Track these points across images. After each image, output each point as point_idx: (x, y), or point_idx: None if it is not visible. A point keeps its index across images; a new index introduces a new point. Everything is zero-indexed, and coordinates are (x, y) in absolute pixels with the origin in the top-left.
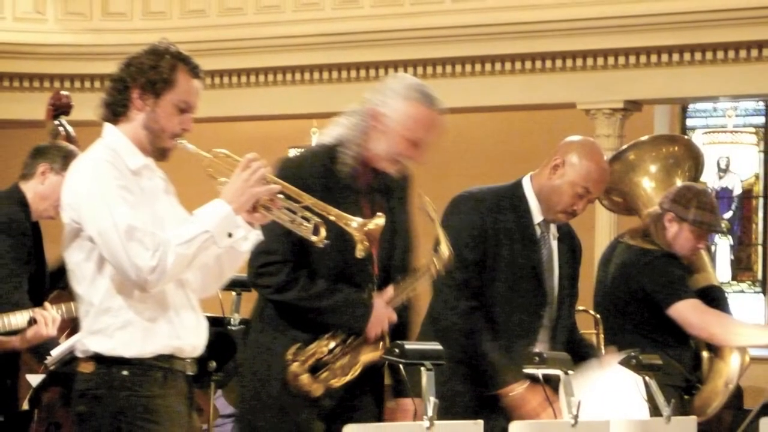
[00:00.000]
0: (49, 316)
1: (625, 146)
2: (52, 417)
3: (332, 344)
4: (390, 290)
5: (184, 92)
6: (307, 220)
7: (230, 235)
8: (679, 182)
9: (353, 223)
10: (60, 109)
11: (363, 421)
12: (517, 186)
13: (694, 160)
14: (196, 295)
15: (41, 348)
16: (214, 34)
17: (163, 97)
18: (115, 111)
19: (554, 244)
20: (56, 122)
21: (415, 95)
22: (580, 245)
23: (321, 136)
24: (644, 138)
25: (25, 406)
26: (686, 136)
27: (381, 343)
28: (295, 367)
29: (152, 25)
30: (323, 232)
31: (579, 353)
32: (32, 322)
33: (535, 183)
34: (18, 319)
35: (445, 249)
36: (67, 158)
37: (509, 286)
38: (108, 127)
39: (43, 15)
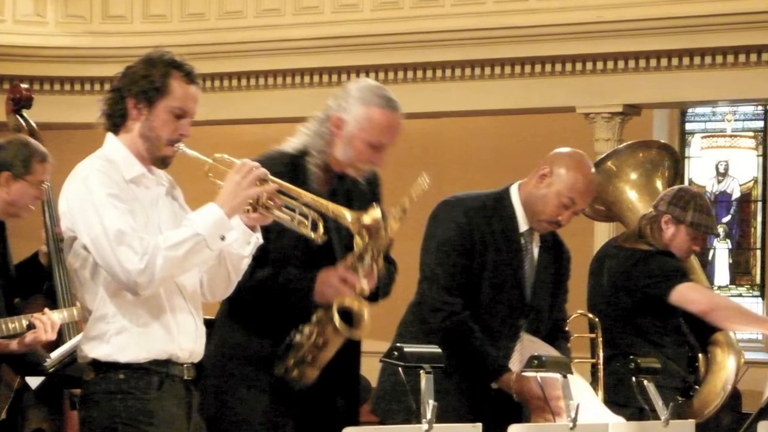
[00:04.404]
0: (48, 322)
1: (602, 156)
2: (35, 423)
3: (307, 330)
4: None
5: (179, 99)
6: (306, 217)
7: (223, 238)
8: (659, 184)
9: (348, 216)
10: (20, 102)
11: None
12: (505, 193)
13: (671, 162)
14: (206, 300)
15: (26, 358)
16: (213, 38)
17: (157, 104)
18: (115, 121)
19: (536, 252)
20: (18, 116)
21: (374, 99)
22: (569, 254)
23: (284, 144)
24: (621, 146)
25: (3, 416)
26: (661, 140)
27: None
28: (289, 365)
29: (152, 28)
30: (321, 228)
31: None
32: (31, 327)
33: (522, 191)
34: (17, 324)
35: (393, 224)
36: (27, 160)
37: (492, 290)
38: (109, 137)
39: (44, 18)
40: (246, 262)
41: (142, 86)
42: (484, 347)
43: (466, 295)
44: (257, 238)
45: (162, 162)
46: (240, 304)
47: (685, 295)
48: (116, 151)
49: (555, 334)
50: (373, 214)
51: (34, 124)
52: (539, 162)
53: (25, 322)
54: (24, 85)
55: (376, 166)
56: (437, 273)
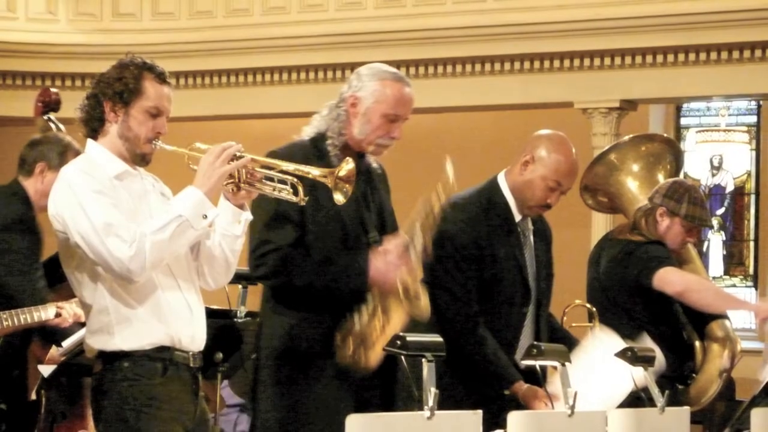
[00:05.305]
0: (71, 311)
1: (605, 148)
2: (58, 407)
3: (365, 312)
4: (391, 239)
5: (153, 98)
6: (284, 183)
7: (205, 217)
8: (661, 178)
9: (316, 171)
10: (49, 105)
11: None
12: (495, 185)
13: (673, 155)
14: (208, 287)
15: (57, 335)
16: (221, 35)
17: (133, 105)
18: (93, 127)
19: (532, 240)
20: (45, 118)
21: (387, 75)
22: (550, 229)
23: (302, 132)
24: (624, 138)
25: (33, 396)
26: (665, 134)
27: (407, 292)
28: (349, 350)
29: (161, 25)
30: (301, 191)
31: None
32: (57, 315)
33: (509, 180)
34: (47, 312)
35: (437, 205)
36: (63, 154)
37: (499, 283)
38: (89, 142)
39: (55, 15)
40: (240, 242)
41: (117, 89)
42: (498, 355)
43: (479, 294)
44: (247, 216)
45: (142, 159)
46: (287, 294)
47: (663, 278)
48: (98, 153)
49: (561, 342)
50: (346, 166)
51: (62, 126)
52: (521, 148)
53: (51, 311)
54: (53, 90)
55: (394, 138)
56: (448, 282)
